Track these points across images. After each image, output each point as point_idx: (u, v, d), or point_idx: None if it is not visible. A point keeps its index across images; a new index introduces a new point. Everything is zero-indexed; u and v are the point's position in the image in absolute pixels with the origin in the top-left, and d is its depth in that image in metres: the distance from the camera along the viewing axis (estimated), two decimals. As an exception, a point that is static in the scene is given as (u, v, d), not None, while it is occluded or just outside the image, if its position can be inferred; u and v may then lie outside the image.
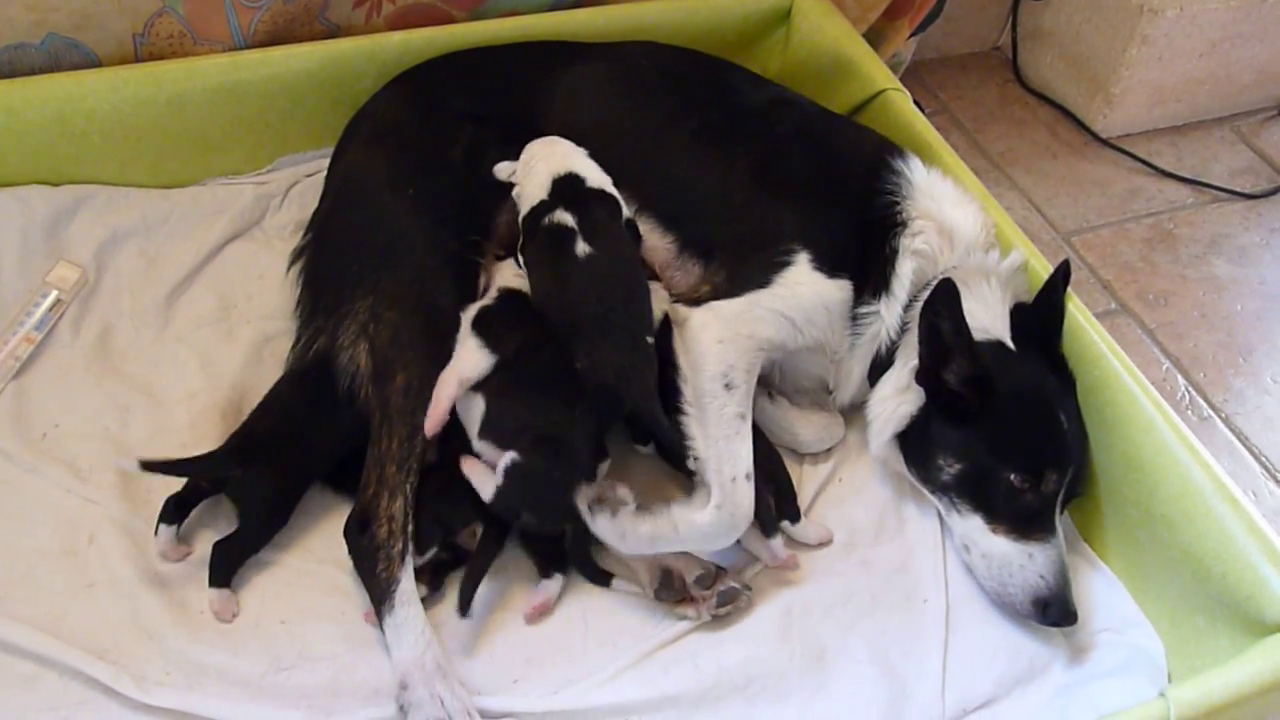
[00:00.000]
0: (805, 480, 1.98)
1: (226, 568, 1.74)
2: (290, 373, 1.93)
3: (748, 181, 2.00)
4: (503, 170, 1.99)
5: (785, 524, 1.85)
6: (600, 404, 1.72)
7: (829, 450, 2.02)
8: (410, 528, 1.73)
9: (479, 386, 1.79)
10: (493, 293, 1.91)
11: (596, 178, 1.94)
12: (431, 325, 1.85)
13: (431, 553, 1.76)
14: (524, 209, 1.93)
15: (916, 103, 2.40)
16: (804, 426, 2.00)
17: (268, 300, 2.15)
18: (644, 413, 1.73)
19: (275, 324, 2.11)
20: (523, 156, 1.98)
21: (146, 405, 1.97)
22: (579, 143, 2.01)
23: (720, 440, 1.77)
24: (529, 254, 1.89)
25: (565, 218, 1.86)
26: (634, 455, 1.93)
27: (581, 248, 1.83)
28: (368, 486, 1.76)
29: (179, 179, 2.30)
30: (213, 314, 2.13)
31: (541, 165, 1.94)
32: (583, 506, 1.68)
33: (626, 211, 1.94)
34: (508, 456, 1.71)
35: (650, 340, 1.79)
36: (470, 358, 1.80)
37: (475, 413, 1.78)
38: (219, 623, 1.70)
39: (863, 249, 1.94)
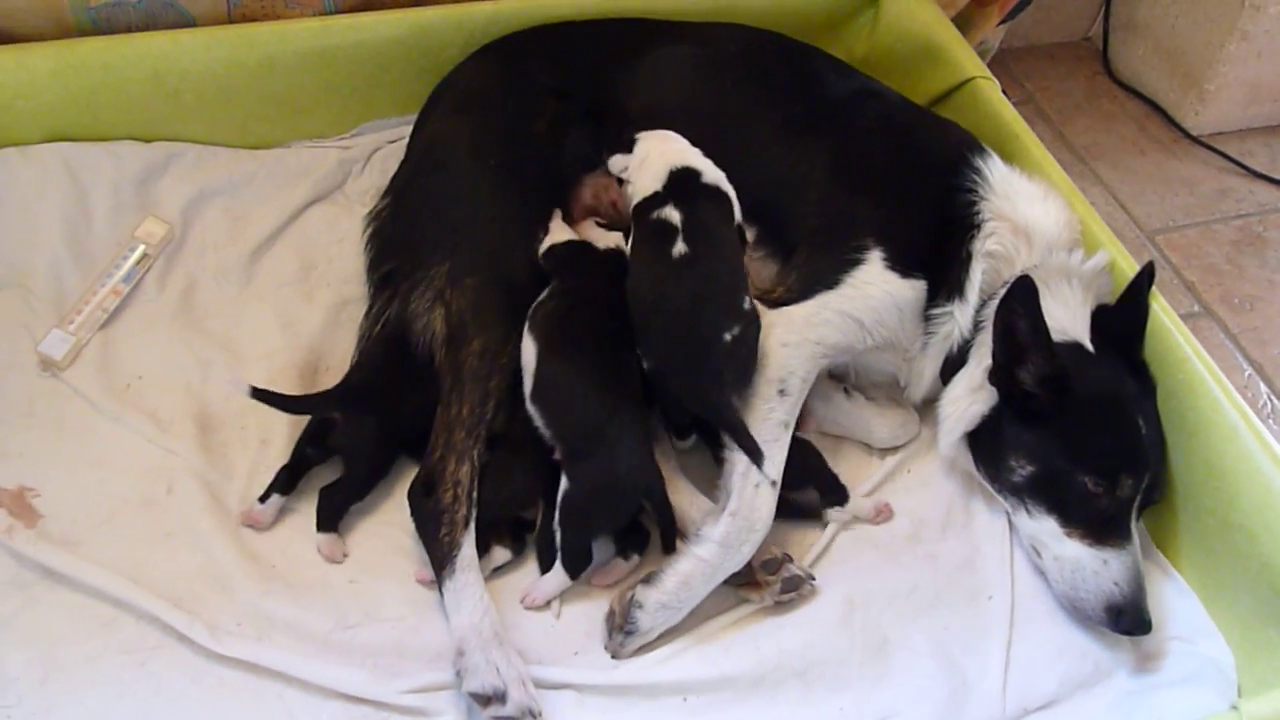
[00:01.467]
0: (874, 471, 1.97)
1: (332, 512, 1.79)
2: (382, 332, 1.96)
3: (827, 175, 1.98)
4: (616, 164, 1.99)
5: (834, 511, 1.87)
6: (665, 413, 1.77)
7: (901, 443, 2.02)
8: (475, 494, 1.75)
9: (534, 329, 1.80)
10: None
11: (712, 174, 1.94)
12: (509, 294, 1.87)
13: (505, 556, 1.77)
14: (636, 199, 1.93)
15: (1004, 92, 2.36)
16: (879, 423, 1.99)
17: (347, 264, 2.18)
18: (712, 416, 1.75)
19: (354, 288, 2.13)
20: (637, 150, 1.97)
21: (226, 361, 2.01)
22: (660, 126, 2.01)
23: (760, 445, 1.76)
24: (633, 245, 1.89)
25: (672, 214, 1.86)
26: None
27: (679, 248, 1.82)
28: (434, 451, 1.77)
29: (266, 140, 2.34)
30: (293, 275, 2.16)
31: (658, 158, 1.94)
32: (614, 636, 1.69)
33: (738, 215, 1.93)
34: (562, 487, 1.72)
35: (728, 337, 1.75)
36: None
37: (529, 362, 1.79)
38: (291, 576, 1.73)
39: (939, 248, 1.91)
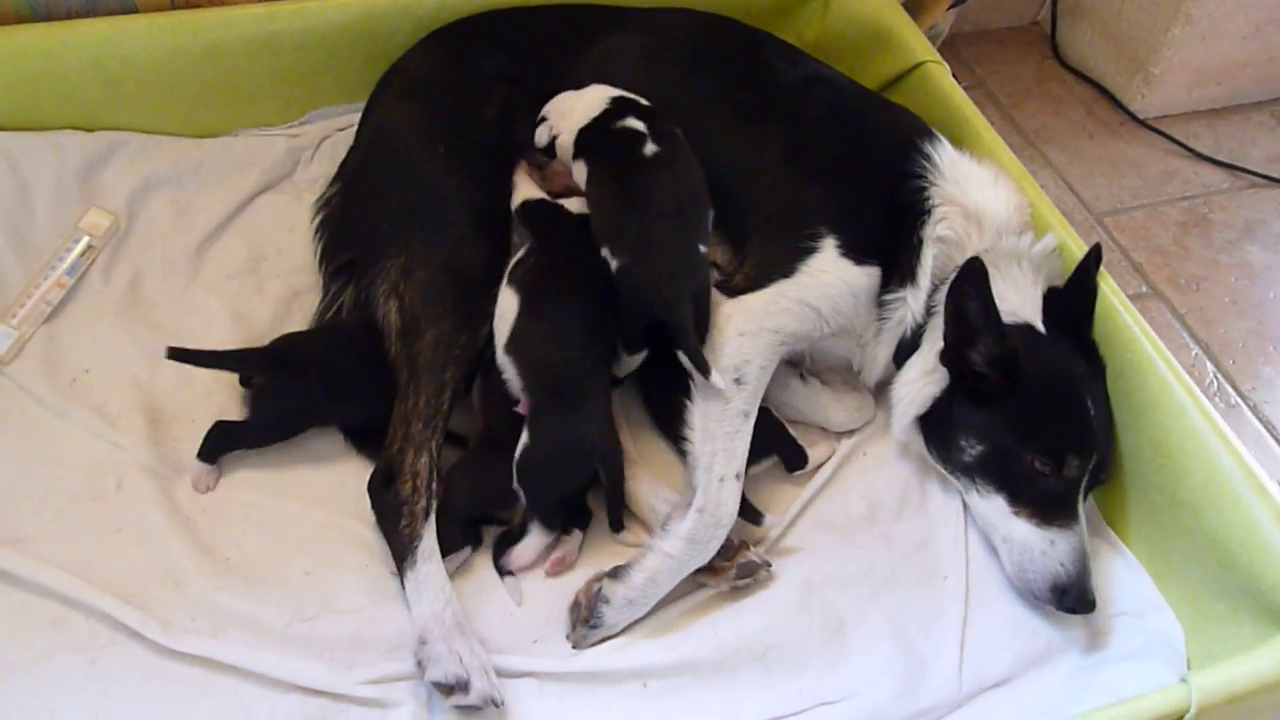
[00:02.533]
0: (827, 453, 1.98)
1: (217, 446, 1.82)
2: (334, 316, 1.97)
3: (779, 163, 1.99)
4: (540, 135, 2.01)
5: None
6: (627, 315, 1.77)
7: (855, 425, 2.04)
8: (434, 485, 1.75)
9: (516, 283, 1.81)
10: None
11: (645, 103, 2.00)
12: (461, 284, 1.87)
13: (466, 552, 1.77)
14: (576, 128, 1.96)
15: (954, 76, 2.38)
16: (835, 407, 2.01)
17: (297, 254, 2.16)
18: (672, 320, 1.76)
19: (305, 278, 2.12)
20: (552, 107, 2.01)
21: (175, 354, 2.00)
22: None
23: (719, 436, 1.77)
24: (590, 165, 1.91)
25: (634, 123, 1.91)
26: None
27: (650, 148, 1.87)
28: (393, 443, 1.78)
29: (212, 129, 2.31)
30: (242, 265, 2.14)
31: (591, 95, 1.99)
32: (577, 628, 1.70)
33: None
34: (521, 442, 1.74)
35: (703, 249, 1.82)
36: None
37: (507, 314, 1.80)
38: (246, 570, 1.72)
39: (891, 234, 1.93)
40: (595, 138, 1.93)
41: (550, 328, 1.78)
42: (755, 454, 1.82)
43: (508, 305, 1.81)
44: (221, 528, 1.77)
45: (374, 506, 1.76)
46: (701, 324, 1.79)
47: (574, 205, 1.96)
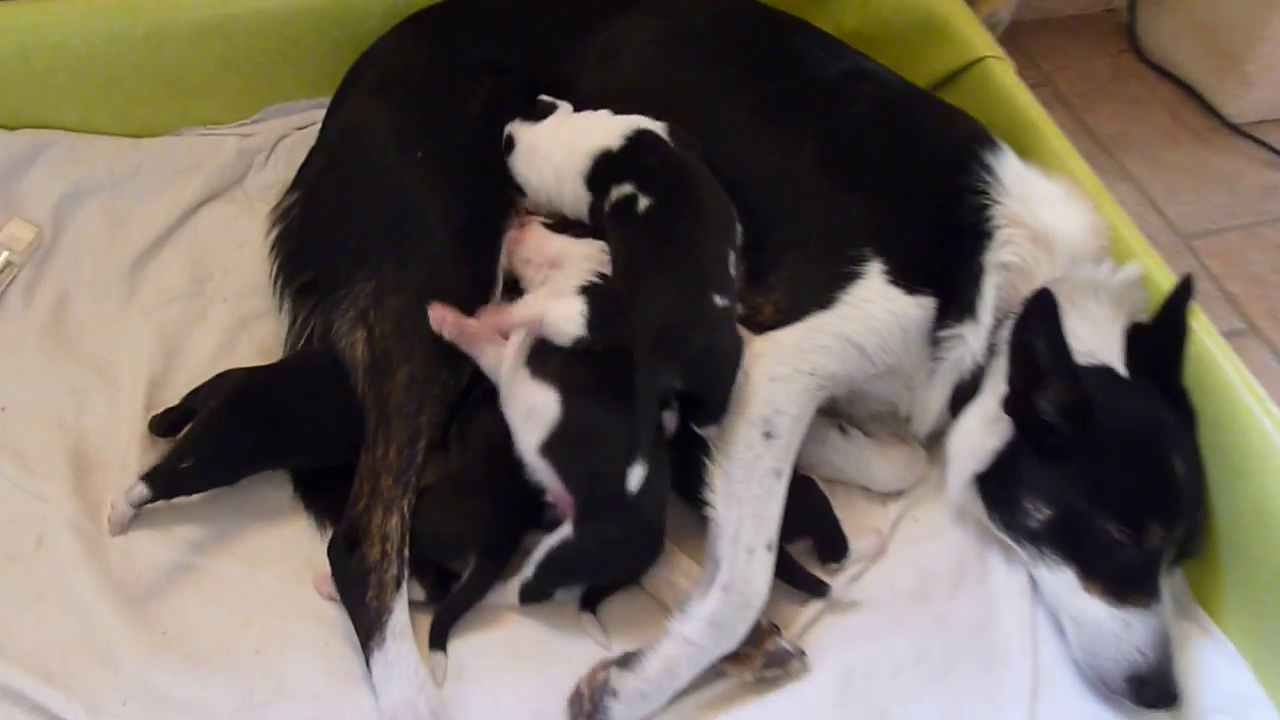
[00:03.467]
0: (873, 519, 2.00)
1: (163, 482, 1.84)
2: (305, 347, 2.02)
3: (814, 170, 2.01)
4: (537, 205, 2.06)
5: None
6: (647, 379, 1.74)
7: (902, 485, 2.06)
8: (406, 551, 1.77)
9: (550, 376, 1.79)
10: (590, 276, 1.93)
11: (617, 129, 2.00)
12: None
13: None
14: (579, 209, 2.00)
15: (1018, 73, 2.41)
16: (880, 463, 2.03)
17: (248, 274, 2.20)
18: (637, 383, 1.74)
19: (256, 302, 2.16)
20: (520, 159, 2.04)
21: (104, 390, 2.02)
22: (614, 109, 2.04)
23: (746, 500, 1.78)
24: (610, 246, 1.94)
25: (624, 189, 1.92)
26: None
27: (642, 203, 1.89)
28: (359, 499, 1.80)
29: (151, 127, 2.36)
30: (184, 287, 2.18)
31: (560, 158, 2.00)
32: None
33: (661, 130, 1.99)
34: (563, 532, 1.75)
35: (721, 301, 1.80)
36: (567, 309, 1.81)
37: (542, 412, 1.77)
38: (186, 645, 1.74)
39: (947, 260, 1.95)
40: (598, 219, 1.97)
41: (602, 426, 1.76)
42: (787, 532, 1.82)
43: (541, 402, 1.78)
44: (158, 594, 1.79)
45: (335, 574, 1.78)
46: (723, 387, 1.80)
47: (578, 252, 1.97)
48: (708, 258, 1.85)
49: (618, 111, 2.03)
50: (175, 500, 1.87)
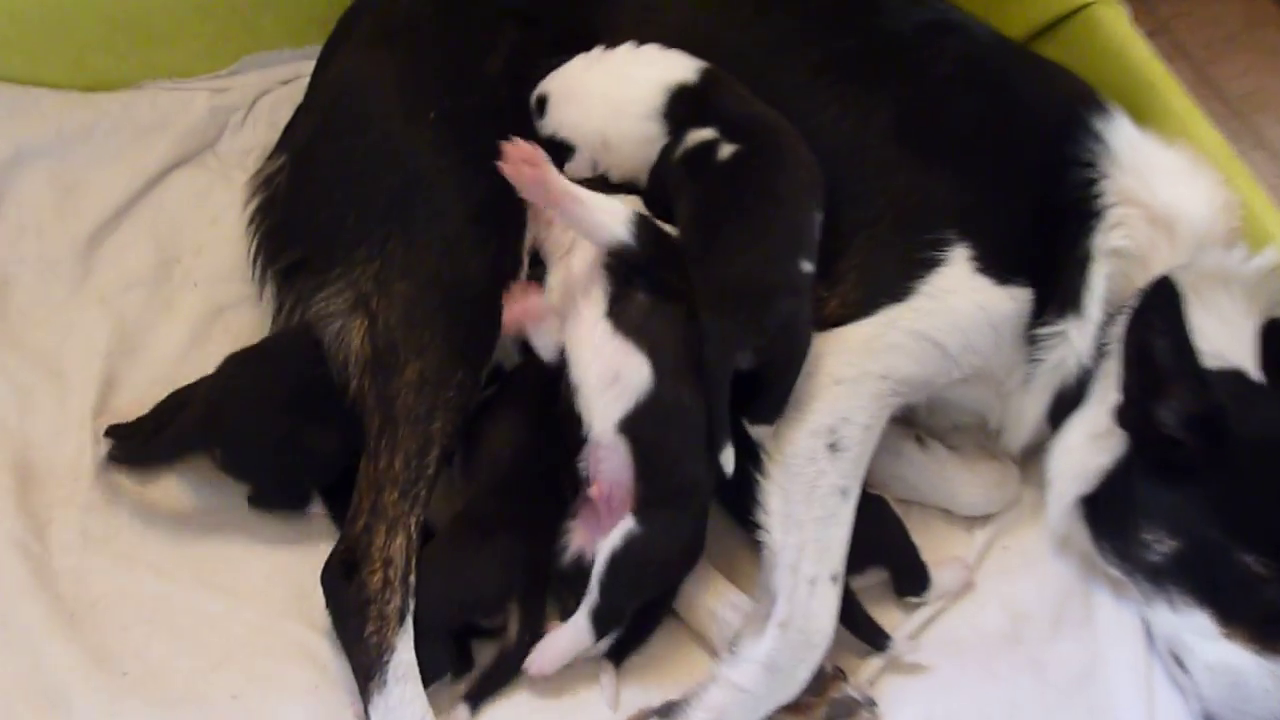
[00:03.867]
0: (956, 547, 2.03)
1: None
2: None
3: (890, 139, 2.04)
4: (581, 167, 2.06)
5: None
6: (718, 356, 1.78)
7: (991, 509, 2.08)
8: (412, 576, 1.80)
9: (634, 333, 1.81)
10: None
11: (685, 63, 2.05)
12: (457, 301, 1.93)
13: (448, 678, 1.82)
14: (636, 158, 2.03)
15: (1133, 21, 2.41)
16: (965, 482, 2.06)
17: (223, 255, 2.24)
18: (774, 361, 1.79)
19: (232, 289, 2.20)
20: (558, 89, 2.07)
21: (52, 389, 2.06)
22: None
23: (808, 523, 1.80)
24: (677, 199, 1.97)
25: (703, 134, 1.95)
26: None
27: (725, 150, 1.93)
28: (357, 518, 1.83)
29: (108, 79, 2.40)
30: (148, 270, 2.22)
31: (616, 91, 2.03)
32: None
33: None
34: (627, 525, 1.77)
35: (808, 267, 1.85)
36: (613, 204, 1.87)
37: (629, 379, 1.80)
38: (151, 688, 1.77)
39: (1047, 244, 1.97)
40: (662, 175, 2.00)
41: (691, 404, 1.79)
42: (856, 561, 1.85)
43: (629, 367, 1.80)
44: (118, 629, 1.82)
45: (329, 605, 1.81)
46: (794, 369, 1.83)
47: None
48: (799, 215, 1.89)
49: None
50: (142, 515, 1.92)
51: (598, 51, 2.09)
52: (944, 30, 2.18)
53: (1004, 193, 2.00)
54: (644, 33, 2.15)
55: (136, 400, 2.04)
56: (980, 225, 1.94)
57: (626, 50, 2.08)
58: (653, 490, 1.78)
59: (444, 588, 1.82)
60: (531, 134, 2.06)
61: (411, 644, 1.77)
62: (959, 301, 1.91)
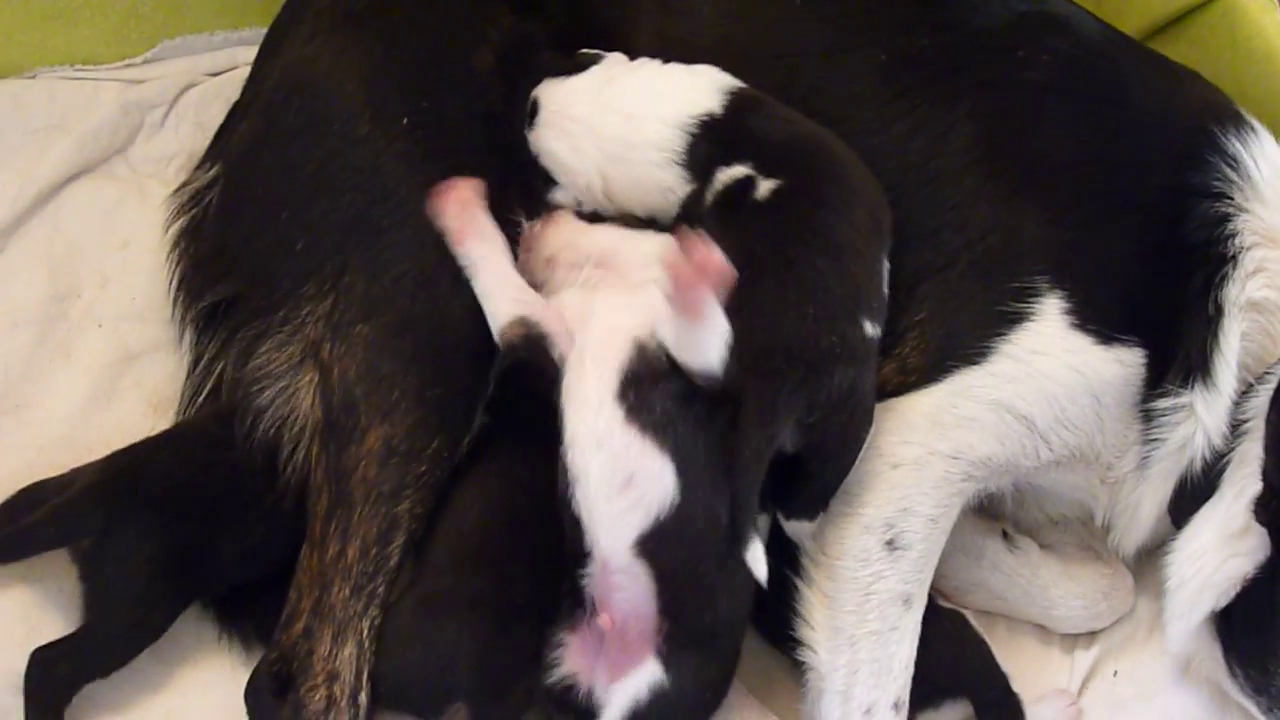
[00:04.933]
0: (1054, 673, 2.07)
1: (52, 694, 1.86)
2: (209, 402, 2.06)
3: (970, 162, 2.07)
4: (563, 199, 2.11)
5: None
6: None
7: (1098, 629, 2.10)
8: (363, 697, 1.82)
9: (657, 431, 1.79)
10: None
11: (709, 85, 2.06)
12: (430, 348, 1.95)
13: None
14: (646, 202, 2.06)
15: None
16: (1065, 592, 2.08)
17: (134, 289, 2.28)
18: (824, 444, 1.80)
19: (146, 330, 2.24)
20: (548, 131, 2.10)
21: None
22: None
23: (862, 639, 1.84)
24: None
25: (735, 172, 1.96)
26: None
27: (763, 187, 1.93)
28: (295, 618, 1.86)
29: (-5, 63, 2.44)
30: (39, 305, 2.25)
31: (616, 128, 2.05)
32: None
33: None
34: (650, 672, 1.78)
35: (871, 330, 1.85)
36: (715, 323, 1.80)
37: (647, 486, 1.78)
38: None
39: (1165, 294, 1.99)
40: (692, 214, 2.00)
41: (715, 518, 1.78)
42: (927, 691, 1.89)
43: (641, 466, 1.79)
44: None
45: None
46: (850, 453, 1.85)
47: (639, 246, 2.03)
48: (857, 264, 1.89)
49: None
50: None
51: (609, 67, 2.10)
52: (1042, 25, 2.20)
53: (1110, 230, 2.03)
54: (669, 30, 2.21)
55: (20, 471, 2.04)
56: (1079, 270, 1.97)
57: (642, 73, 2.09)
58: (682, 630, 1.78)
59: (373, 671, 1.84)
60: (525, 143, 2.12)
61: None
62: (1050, 365, 1.93)
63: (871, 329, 1.85)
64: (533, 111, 2.10)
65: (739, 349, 1.78)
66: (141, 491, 1.93)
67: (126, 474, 1.95)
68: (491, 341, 1.93)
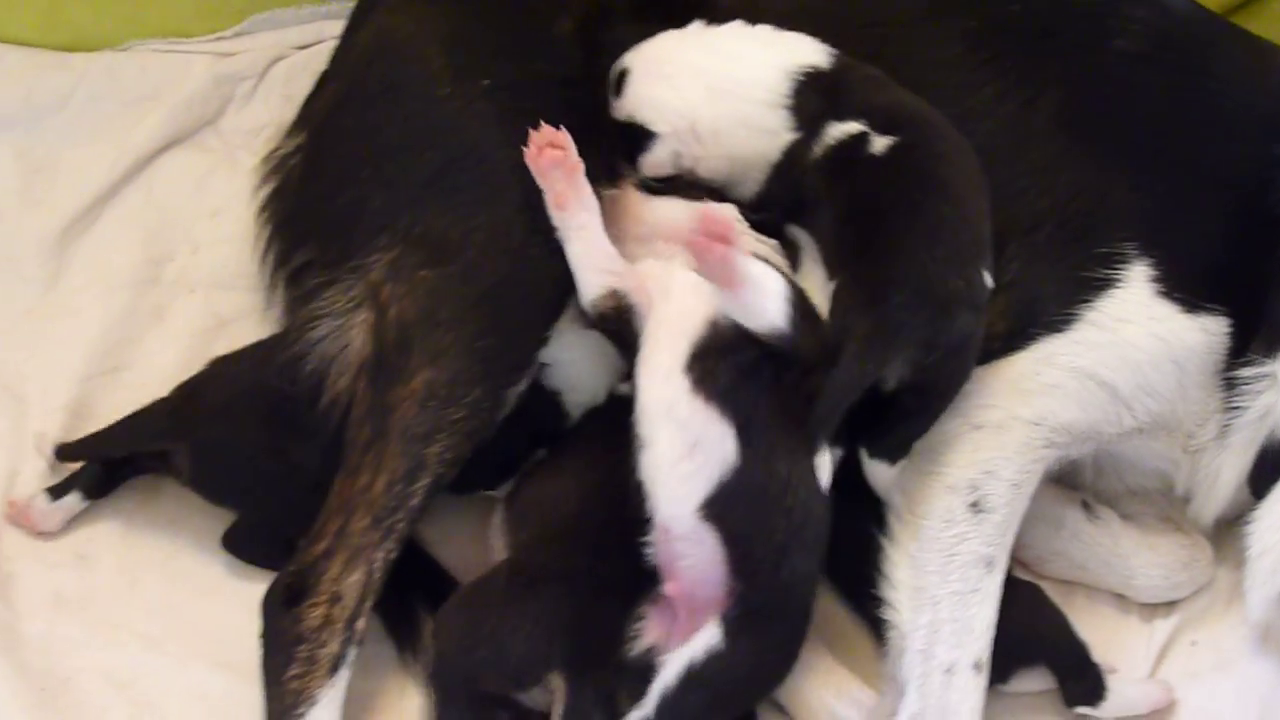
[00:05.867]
0: (1131, 642, 2.05)
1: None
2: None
3: (1057, 128, 2.06)
4: (660, 160, 2.07)
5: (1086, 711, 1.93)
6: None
7: (1177, 598, 2.08)
8: (359, 623, 1.84)
9: (720, 400, 1.78)
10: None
11: (814, 44, 2.06)
12: (494, 299, 1.94)
13: None
14: (746, 160, 2.04)
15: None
16: (1145, 562, 2.06)
17: (225, 255, 2.30)
18: (927, 387, 1.79)
19: (236, 297, 2.26)
20: (646, 83, 2.08)
21: (10, 410, 2.13)
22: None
23: (944, 599, 1.83)
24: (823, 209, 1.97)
25: (849, 128, 1.95)
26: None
27: (879, 143, 1.92)
28: (318, 538, 1.87)
29: (87, 37, 2.48)
30: (133, 270, 2.27)
31: (722, 70, 2.04)
32: None
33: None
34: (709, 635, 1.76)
35: (989, 280, 1.83)
36: (771, 282, 1.80)
37: (711, 449, 1.77)
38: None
39: (1249, 263, 1.98)
40: (787, 180, 2.00)
41: (799, 483, 1.77)
42: (1007, 659, 1.86)
43: (712, 435, 1.78)
44: (97, 711, 1.86)
45: (262, 634, 1.85)
46: (948, 398, 1.84)
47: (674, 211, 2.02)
48: (977, 214, 1.89)
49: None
50: (124, 574, 1.98)
51: (697, 26, 2.10)
52: None
53: (1197, 198, 2.01)
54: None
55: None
56: (1165, 238, 1.96)
57: (737, 26, 2.08)
58: (752, 591, 1.76)
59: (463, 641, 1.82)
60: (607, 108, 2.11)
61: (339, 703, 1.81)
62: (1135, 333, 1.92)
63: (989, 279, 1.84)
64: (621, 75, 2.09)
65: (859, 286, 1.79)
66: (206, 404, 1.99)
67: (192, 389, 2.01)
68: (552, 299, 1.95)
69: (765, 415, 1.77)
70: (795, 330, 1.77)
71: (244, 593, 1.97)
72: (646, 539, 1.80)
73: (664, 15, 2.16)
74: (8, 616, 1.92)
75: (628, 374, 1.95)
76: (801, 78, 2.00)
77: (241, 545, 2.04)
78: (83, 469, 1.99)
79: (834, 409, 1.72)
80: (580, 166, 1.85)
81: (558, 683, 1.81)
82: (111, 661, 1.92)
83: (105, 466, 2.00)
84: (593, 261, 1.89)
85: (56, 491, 1.97)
